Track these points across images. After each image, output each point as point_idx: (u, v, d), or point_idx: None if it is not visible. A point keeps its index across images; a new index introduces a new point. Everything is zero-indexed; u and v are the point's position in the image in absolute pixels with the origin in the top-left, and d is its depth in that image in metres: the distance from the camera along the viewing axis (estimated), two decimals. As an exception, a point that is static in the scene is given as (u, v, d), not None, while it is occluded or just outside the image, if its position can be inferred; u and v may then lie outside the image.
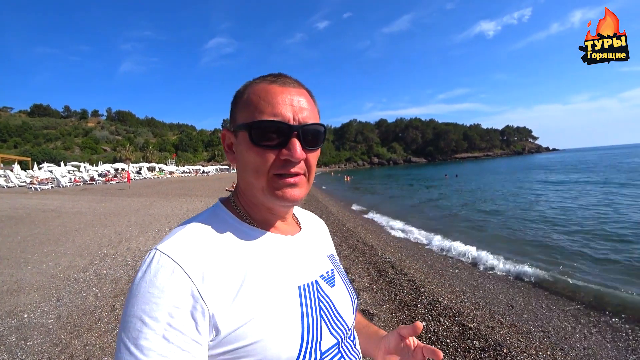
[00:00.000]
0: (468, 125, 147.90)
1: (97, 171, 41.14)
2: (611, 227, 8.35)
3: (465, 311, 3.79)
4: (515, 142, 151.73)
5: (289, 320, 0.55)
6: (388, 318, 3.59)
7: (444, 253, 6.69)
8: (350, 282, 0.76)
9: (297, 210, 0.80)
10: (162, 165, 60.74)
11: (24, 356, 2.81)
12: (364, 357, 0.74)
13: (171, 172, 55.59)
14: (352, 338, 0.68)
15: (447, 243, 7.27)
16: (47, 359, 2.77)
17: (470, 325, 3.41)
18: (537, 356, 2.93)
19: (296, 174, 0.59)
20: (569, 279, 4.99)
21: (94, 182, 33.16)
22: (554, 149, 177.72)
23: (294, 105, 0.58)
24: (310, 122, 0.60)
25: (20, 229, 8.09)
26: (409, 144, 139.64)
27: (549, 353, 3.00)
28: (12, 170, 32.92)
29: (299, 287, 0.60)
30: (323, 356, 0.58)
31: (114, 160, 63.80)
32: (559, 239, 7.59)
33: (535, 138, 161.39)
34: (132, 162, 58.62)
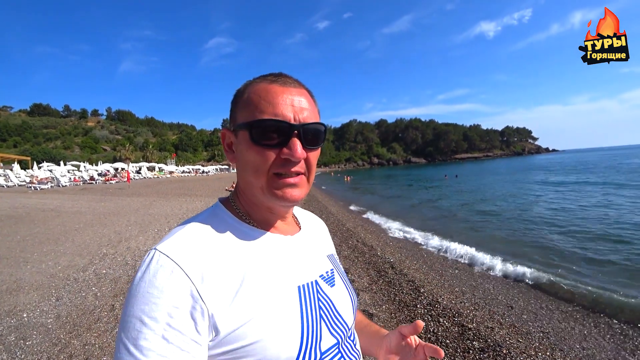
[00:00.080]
0: (468, 125, 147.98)
1: (96, 171, 41.14)
2: (611, 228, 8.35)
3: (465, 312, 3.79)
4: (515, 142, 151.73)
5: (288, 320, 0.55)
6: (387, 318, 3.59)
7: (443, 254, 6.69)
8: (350, 282, 0.76)
9: (297, 210, 0.80)
10: (162, 165, 60.76)
11: (23, 356, 2.81)
12: (365, 356, 0.74)
13: (171, 172, 55.60)
14: (352, 338, 0.68)
15: (446, 244, 7.28)
16: (46, 358, 2.77)
17: (469, 325, 3.41)
18: (537, 357, 2.93)
19: (296, 174, 0.60)
20: (568, 281, 5.00)
21: (94, 182, 33.15)
22: (553, 150, 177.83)
23: (295, 106, 0.58)
24: (311, 121, 0.60)
25: (20, 228, 8.09)
26: (408, 145, 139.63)
27: (548, 354, 3.00)
28: (11, 170, 32.92)
29: (299, 287, 0.60)
30: (323, 356, 0.57)
31: (114, 160, 63.73)
32: (558, 240, 7.59)
33: (535, 139, 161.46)
34: (132, 162, 58.57)
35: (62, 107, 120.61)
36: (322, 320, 0.60)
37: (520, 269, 5.42)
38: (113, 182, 33.43)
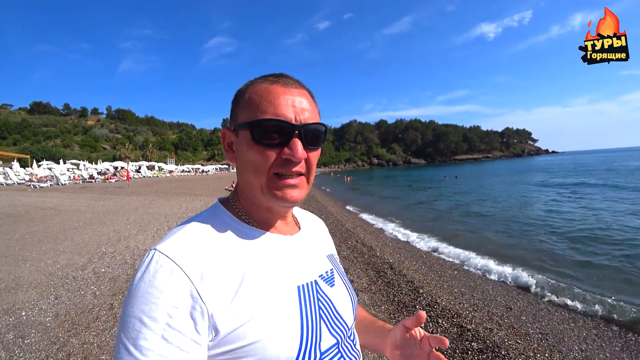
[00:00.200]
0: (468, 127, 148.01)
1: (96, 169, 41.10)
2: (610, 232, 8.34)
3: (464, 313, 3.79)
4: (515, 144, 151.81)
5: (288, 320, 0.55)
6: (387, 319, 3.58)
7: (443, 255, 6.68)
8: (350, 282, 0.76)
9: (297, 211, 0.80)
10: (162, 164, 60.78)
11: (21, 354, 2.80)
12: (373, 353, 0.74)
13: (170, 171, 55.60)
14: (352, 338, 0.68)
15: (446, 245, 7.29)
16: (44, 357, 2.77)
17: (468, 326, 3.41)
18: (535, 358, 2.93)
19: (297, 174, 0.60)
20: (568, 283, 5.00)
21: (93, 180, 33.12)
22: (553, 152, 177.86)
23: (296, 106, 0.59)
24: (312, 122, 0.60)
25: (19, 227, 8.08)
26: (408, 145, 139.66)
27: (546, 355, 3.00)
28: (11, 168, 32.87)
29: (298, 287, 0.60)
30: (323, 356, 0.58)
31: (114, 159, 63.75)
32: (557, 242, 7.59)
33: (534, 140, 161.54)
34: (132, 161, 58.57)
35: (62, 106, 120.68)
36: (321, 320, 0.60)
37: (520, 270, 5.41)
38: (112, 180, 33.43)
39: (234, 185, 0.77)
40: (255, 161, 0.58)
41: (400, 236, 8.49)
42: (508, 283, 5.05)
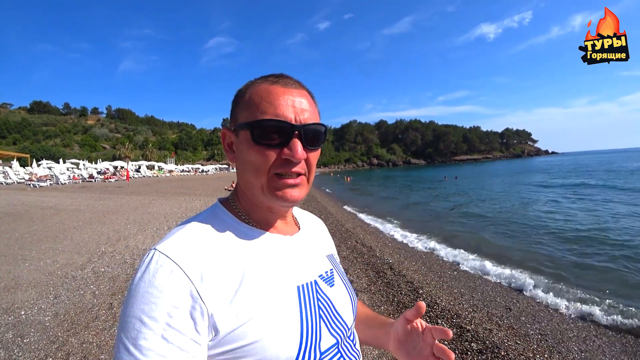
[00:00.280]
0: (468, 127, 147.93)
1: (96, 169, 41.07)
2: (610, 232, 8.34)
3: (463, 313, 3.79)
4: (515, 145, 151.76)
5: (288, 320, 0.55)
6: (386, 319, 3.58)
7: (442, 255, 6.68)
8: (350, 282, 0.76)
9: (296, 211, 0.80)
10: (162, 164, 60.78)
11: (20, 353, 2.80)
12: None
13: (170, 171, 55.57)
14: (351, 338, 0.68)
15: (445, 245, 7.30)
16: (44, 356, 2.77)
17: (468, 327, 3.41)
18: (535, 359, 2.93)
19: (297, 174, 0.60)
20: (567, 283, 5.00)
21: (93, 180, 33.09)
22: (553, 152, 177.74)
23: (296, 106, 0.59)
24: (311, 122, 0.60)
25: (19, 226, 8.08)
26: (408, 146, 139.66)
27: (546, 356, 3.00)
28: (10, 167, 32.85)
29: (298, 287, 0.60)
30: (322, 356, 0.58)
31: (113, 158, 63.75)
32: (557, 243, 7.59)
33: (534, 141, 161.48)
34: (132, 160, 58.58)
35: (62, 105, 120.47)
36: (321, 320, 0.60)
37: (520, 271, 5.43)
38: (112, 180, 33.41)
39: (233, 185, 0.76)
40: (255, 161, 0.59)
41: (399, 237, 8.48)
42: (507, 284, 5.05)
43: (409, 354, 0.69)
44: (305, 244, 0.69)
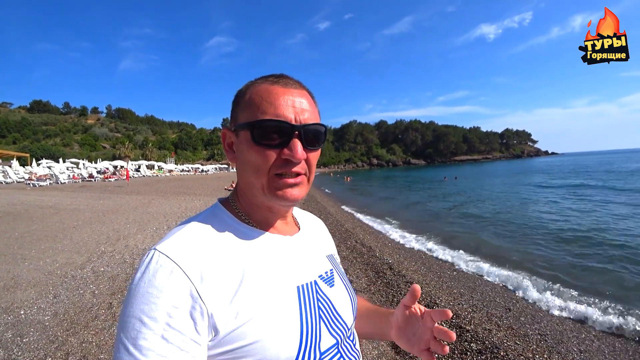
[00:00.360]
0: (468, 127, 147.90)
1: (96, 168, 41.08)
2: (610, 233, 8.35)
3: (463, 313, 3.79)
4: (515, 145, 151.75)
5: (287, 320, 0.55)
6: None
7: (442, 256, 6.68)
8: (350, 283, 0.76)
9: (296, 211, 0.80)
10: (161, 164, 60.76)
11: (20, 353, 2.80)
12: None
13: (170, 171, 55.55)
14: (351, 338, 0.68)
15: (445, 246, 7.30)
16: (43, 356, 2.76)
17: (467, 327, 3.41)
18: (534, 359, 2.93)
19: (297, 174, 0.60)
20: (567, 284, 5.00)
21: (93, 179, 33.10)
22: (553, 153, 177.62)
23: (296, 107, 0.59)
24: (311, 122, 0.60)
25: (18, 225, 8.07)
26: (408, 146, 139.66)
27: (545, 356, 3.00)
28: (10, 166, 32.85)
29: (298, 287, 0.60)
30: (322, 356, 0.58)
31: (113, 158, 63.78)
32: (557, 243, 7.60)
33: (534, 142, 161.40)
34: (131, 160, 58.62)
35: (62, 104, 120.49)
36: (321, 320, 0.60)
37: (519, 272, 5.43)
38: (112, 179, 33.42)
39: (233, 185, 0.76)
40: (256, 162, 0.59)
41: (399, 237, 8.48)
42: (507, 284, 5.05)
43: (409, 340, 0.69)
44: (305, 244, 0.69)
